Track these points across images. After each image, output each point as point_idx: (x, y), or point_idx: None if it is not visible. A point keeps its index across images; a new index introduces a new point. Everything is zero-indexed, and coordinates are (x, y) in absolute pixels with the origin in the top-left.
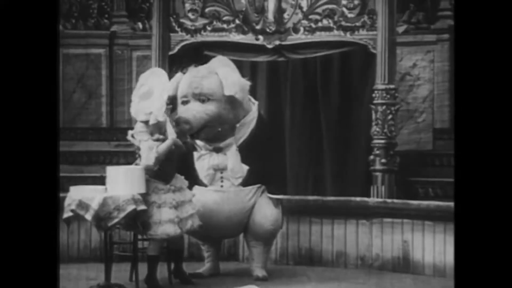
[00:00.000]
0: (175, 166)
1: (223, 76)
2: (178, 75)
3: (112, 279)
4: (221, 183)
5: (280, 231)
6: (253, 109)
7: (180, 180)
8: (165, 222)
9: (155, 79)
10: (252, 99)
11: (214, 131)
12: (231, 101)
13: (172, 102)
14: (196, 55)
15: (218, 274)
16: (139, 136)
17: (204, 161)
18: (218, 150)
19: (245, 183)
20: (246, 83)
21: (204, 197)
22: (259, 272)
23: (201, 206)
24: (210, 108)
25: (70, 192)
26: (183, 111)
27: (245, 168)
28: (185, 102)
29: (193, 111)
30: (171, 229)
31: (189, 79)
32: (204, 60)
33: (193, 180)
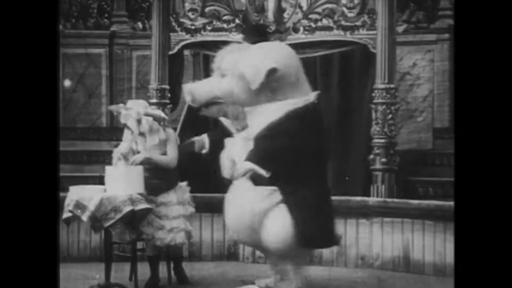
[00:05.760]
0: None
1: None
2: None
3: (112, 279)
4: None
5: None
6: None
7: (184, 191)
8: (167, 230)
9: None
10: None
11: None
12: None
13: None
14: None
15: None
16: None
17: None
18: None
19: None
20: None
21: None
22: None
23: None
24: None
25: (70, 192)
26: None
27: None
28: None
29: None
30: (180, 237)
31: None
32: None
33: None
